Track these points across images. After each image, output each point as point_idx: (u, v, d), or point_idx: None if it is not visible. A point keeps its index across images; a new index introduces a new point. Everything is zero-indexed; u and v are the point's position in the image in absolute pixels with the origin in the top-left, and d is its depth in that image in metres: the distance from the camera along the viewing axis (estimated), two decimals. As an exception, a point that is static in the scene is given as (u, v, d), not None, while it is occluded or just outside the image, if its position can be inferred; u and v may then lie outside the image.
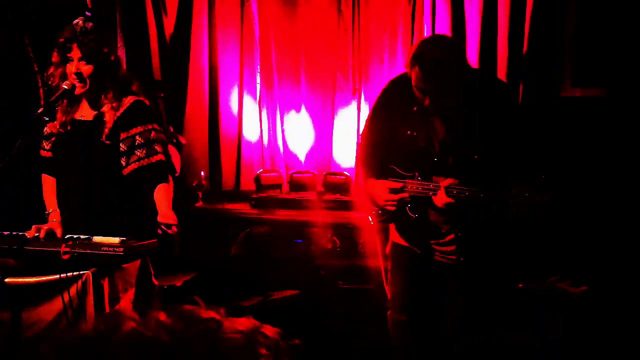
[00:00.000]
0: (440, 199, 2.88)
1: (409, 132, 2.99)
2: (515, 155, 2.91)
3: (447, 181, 2.88)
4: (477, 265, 3.04)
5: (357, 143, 3.35)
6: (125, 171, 3.07)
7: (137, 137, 3.08)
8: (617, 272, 3.86)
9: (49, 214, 3.18)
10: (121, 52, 5.16)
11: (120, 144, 3.06)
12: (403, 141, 3.01)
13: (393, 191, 3.03)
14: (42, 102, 4.17)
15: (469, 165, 2.89)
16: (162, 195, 3.09)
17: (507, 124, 2.93)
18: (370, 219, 3.28)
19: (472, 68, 3.08)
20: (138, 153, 3.07)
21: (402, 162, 3.04)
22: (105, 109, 3.09)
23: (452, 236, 3.04)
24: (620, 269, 3.87)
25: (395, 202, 3.02)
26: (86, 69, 3.03)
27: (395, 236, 3.22)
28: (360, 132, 3.40)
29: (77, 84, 3.03)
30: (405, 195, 3.01)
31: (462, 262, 3.03)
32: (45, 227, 3.01)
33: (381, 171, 3.10)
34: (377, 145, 3.16)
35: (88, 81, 3.04)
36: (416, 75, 2.82)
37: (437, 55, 2.80)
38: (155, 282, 3.08)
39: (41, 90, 4.35)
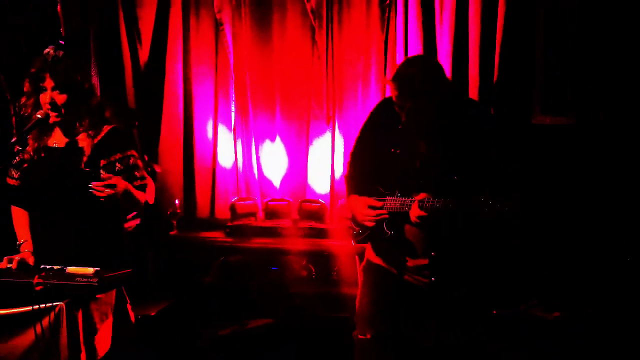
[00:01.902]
0: (414, 212, 2.96)
1: (392, 149, 3.10)
2: (491, 173, 2.96)
3: (421, 195, 2.96)
4: (450, 287, 3.05)
5: (346, 162, 3.43)
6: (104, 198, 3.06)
7: (117, 164, 3.08)
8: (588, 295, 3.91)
9: (20, 244, 3.16)
10: (95, 81, 5.15)
11: (101, 171, 3.05)
12: (387, 159, 3.12)
13: (372, 207, 3.12)
14: (14, 131, 4.14)
15: (448, 182, 2.93)
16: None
17: (484, 141, 3.01)
18: (352, 241, 3.31)
19: (451, 86, 3.15)
20: (126, 179, 3.06)
21: (386, 180, 3.13)
22: (81, 136, 3.09)
23: (425, 260, 3.06)
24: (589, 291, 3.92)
25: (373, 218, 3.10)
26: (60, 98, 3.02)
27: (370, 254, 3.27)
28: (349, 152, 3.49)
29: (51, 113, 3.02)
30: (384, 211, 3.08)
31: (434, 283, 3.04)
32: (17, 257, 2.99)
33: (366, 189, 3.19)
34: (363, 164, 3.27)
35: (62, 110, 3.04)
36: (393, 92, 2.97)
37: (411, 72, 2.96)
38: (131, 312, 3.05)
39: (13, 119, 4.33)
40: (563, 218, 4.22)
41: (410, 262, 3.10)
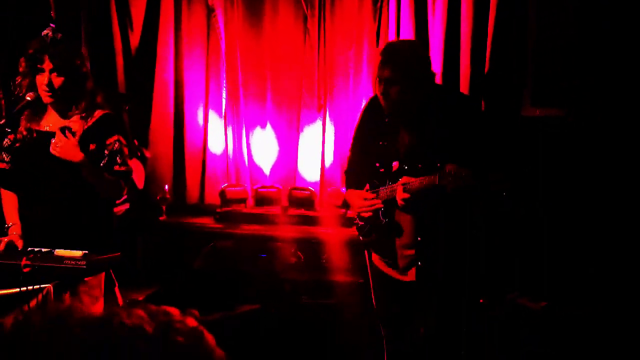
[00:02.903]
0: (399, 195, 3.01)
1: (380, 142, 3.17)
2: (476, 161, 2.98)
3: (404, 179, 3.01)
4: (436, 272, 3.08)
5: (346, 157, 3.52)
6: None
7: (105, 150, 3.08)
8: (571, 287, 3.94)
9: (9, 227, 3.14)
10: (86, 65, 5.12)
11: (90, 154, 3.05)
12: (377, 151, 3.20)
13: (367, 199, 3.20)
14: (3, 114, 4.12)
15: (431, 167, 2.95)
16: None
17: (469, 130, 3.04)
18: (359, 236, 3.39)
19: (434, 78, 3.18)
20: (106, 163, 3.06)
21: (378, 172, 3.19)
22: (74, 119, 3.08)
23: (413, 250, 3.10)
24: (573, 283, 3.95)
25: (367, 208, 3.17)
26: (58, 80, 3.01)
27: (373, 255, 3.35)
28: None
29: (47, 94, 3.01)
30: (378, 201, 3.14)
31: (420, 268, 3.08)
32: (5, 239, 2.98)
33: (363, 182, 3.28)
34: (359, 158, 3.35)
35: (59, 92, 3.03)
36: (379, 68, 3.01)
37: (397, 46, 3.09)
38: (119, 295, 3.06)
39: (2, 102, 4.30)
40: (552, 209, 4.24)
41: (400, 249, 3.14)
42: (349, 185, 3.42)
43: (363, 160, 3.31)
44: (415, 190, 2.95)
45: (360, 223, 3.32)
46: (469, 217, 3.13)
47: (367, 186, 3.24)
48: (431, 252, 3.08)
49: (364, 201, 3.21)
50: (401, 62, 2.97)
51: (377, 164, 3.20)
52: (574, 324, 3.74)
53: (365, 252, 3.42)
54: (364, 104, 3.54)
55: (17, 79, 3.08)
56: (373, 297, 3.41)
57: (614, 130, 4.17)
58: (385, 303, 3.35)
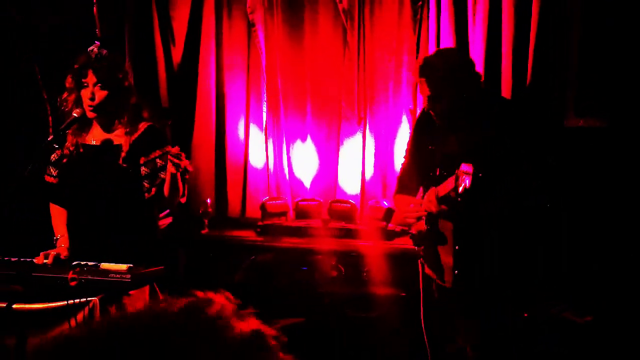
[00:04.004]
0: (432, 202, 2.98)
1: (430, 147, 3.17)
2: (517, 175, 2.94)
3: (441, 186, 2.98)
4: (474, 282, 3.03)
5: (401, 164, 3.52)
6: (148, 194, 3.11)
7: (158, 160, 3.11)
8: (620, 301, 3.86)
9: (57, 239, 3.21)
10: (130, 77, 5.21)
11: (142, 168, 3.10)
12: (427, 157, 3.19)
13: (414, 205, 3.19)
14: (50, 130, 4.22)
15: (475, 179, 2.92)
16: None
17: (515, 141, 2.98)
18: (414, 245, 3.37)
19: (478, 81, 3.15)
20: (162, 175, 3.10)
21: (430, 177, 3.17)
22: (118, 133, 3.14)
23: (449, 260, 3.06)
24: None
25: (412, 215, 3.17)
26: (101, 94, 3.07)
27: (426, 267, 3.31)
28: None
29: (90, 109, 3.07)
30: (422, 208, 3.11)
31: (457, 277, 3.03)
32: (53, 252, 3.04)
33: (413, 189, 3.27)
34: (410, 163, 3.35)
35: (102, 106, 3.09)
36: (418, 80, 3.06)
37: (431, 60, 3.08)
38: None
39: (50, 118, 4.40)
40: (597, 220, 4.16)
41: (444, 260, 3.11)
42: (398, 191, 3.40)
43: (415, 165, 3.30)
44: (441, 197, 2.93)
45: (414, 232, 3.28)
46: (504, 224, 3.02)
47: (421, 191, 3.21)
48: (470, 262, 3.03)
49: (409, 207, 3.18)
50: (436, 77, 2.96)
51: (428, 170, 3.19)
52: (619, 339, 3.66)
53: (419, 262, 3.37)
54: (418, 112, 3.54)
55: (63, 94, 3.16)
56: (422, 309, 3.37)
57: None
58: (431, 315, 3.31)
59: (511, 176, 2.86)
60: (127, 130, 3.13)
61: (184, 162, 2.87)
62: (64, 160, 3.21)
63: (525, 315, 3.79)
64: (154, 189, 3.10)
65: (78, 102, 3.11)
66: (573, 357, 3.69)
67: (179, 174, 2.95)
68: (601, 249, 4.11)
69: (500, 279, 3.04)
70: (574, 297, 3.96)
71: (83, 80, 3.08)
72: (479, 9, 4.75)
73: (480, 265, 3.02)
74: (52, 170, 3.26)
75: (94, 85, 3.07)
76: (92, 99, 3.06)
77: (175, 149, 2.87)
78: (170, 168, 2.92)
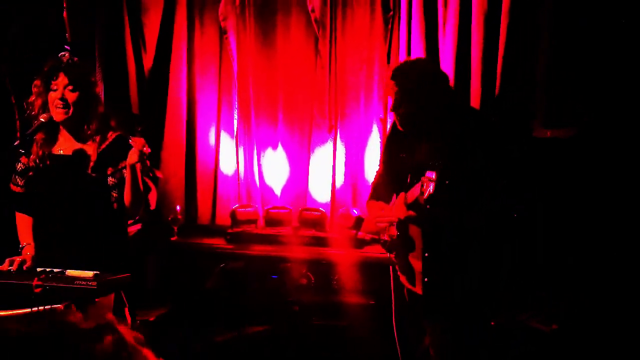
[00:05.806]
0: (400, 208, 3.03)
1: (402, 154, 3.22)
2: (485, 183, 2.97)
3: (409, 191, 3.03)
4: (443, 289, 3.06)
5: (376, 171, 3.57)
6: (117, 204, 3.08)
7: (124, 171, 3.09)
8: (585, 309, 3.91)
9: (22, 247, 3.17)
10: (99, 86, 5.17)
11: (109, 178, 3.07)
12: (398, 164, 3.24)
13: (385, 211, 3.22)
14: (18, 135, 4.17)
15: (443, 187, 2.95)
16: None
17: (482, 150, 3.02)
18: (386, 252, 3.43)
19: (447, 92, 3.19)
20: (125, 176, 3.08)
21: (402, 184, 3.20)
22: (87, 144, 3.11)
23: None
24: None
25: (382, 219, 3.19)
26: (72, 95, 3.04)
27: (399, 272, 3.34)
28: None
29: (61, 110, 3.03)
30: (392, 214, 3.14)
31: (427, 284, 3.05)
32: (18, 259, 3.00)
33: (386, 196, 3.32)
34: (383, 170, 3.41)
35: (72, 109, 3.05)
36: (389, 88, 3.11)
37: (402, 66, 3.17)
38: (129, 316, 3.07)
39: (17, 123, 4.35)
40: (564, 230, 4.22)
41: (414, 265, 3.13)
42: (371, 197, 3.44)
43: (388, 172, 3.35)
44: (409, 204, 2.98)
45: (386, 239, 3.33)
46: (472, 230, 3.03)
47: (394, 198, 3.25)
48: (439, 269, 3.05)
49: (380, 212, 3.22)
50: (404, 81, 3.02)
51: (399, 176, 3.23)
52: (585, 348, 3.71)
53: (390, 268, 3.39)
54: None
55: (30, 98, 3.12)
56: (393, 314, 3.39)
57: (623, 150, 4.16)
58: (403, 320, 3.35)
59: (476, 182, 2.90)
60: (96, 138, 3.10)
61: (145, 148, 2.89)
62: (30, 173, 3.17)
63: (492, 323, 3.82)
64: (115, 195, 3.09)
65: (45, 107, 3.07)
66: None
67: (139, 170, 2.96)
68: (568, 257, 4.16)
69: (468, 286, 3.06)
70: (541, 304, 4.00)
71: (52, 82, 3.05)
72: (449, 19, 4.80)
73: (447, 272, 3.04)
74: (18, 179, 3.22)
75: (65, 87, 3.04)
76: (62, 99, 3.03)
77: (140, 140, 2.87)
78: (132, 156, 2.91)
